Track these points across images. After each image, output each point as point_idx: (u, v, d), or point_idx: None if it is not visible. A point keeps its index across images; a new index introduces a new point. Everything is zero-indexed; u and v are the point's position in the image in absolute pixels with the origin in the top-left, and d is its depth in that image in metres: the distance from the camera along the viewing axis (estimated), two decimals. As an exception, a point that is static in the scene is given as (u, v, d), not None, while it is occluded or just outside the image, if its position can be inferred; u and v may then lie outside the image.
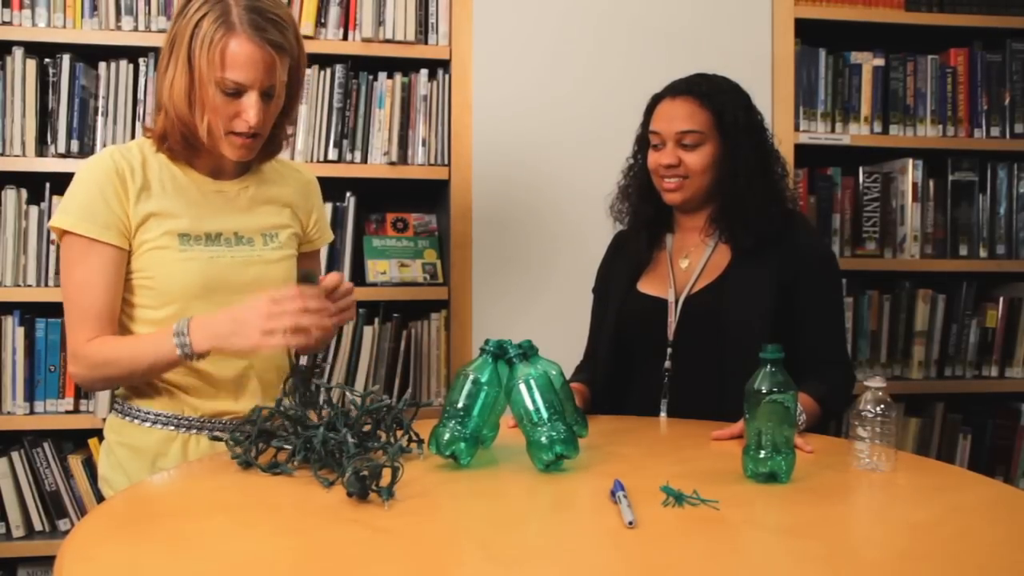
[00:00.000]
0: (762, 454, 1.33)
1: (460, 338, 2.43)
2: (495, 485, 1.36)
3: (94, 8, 2.28)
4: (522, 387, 1.40)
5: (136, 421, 1.57)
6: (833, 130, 2.60)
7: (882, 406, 1.39)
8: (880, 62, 2.62)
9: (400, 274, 2.47)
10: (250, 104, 1.49)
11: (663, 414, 1.83)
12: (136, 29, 2.29)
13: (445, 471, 1.38)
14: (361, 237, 2.49)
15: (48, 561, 2.28)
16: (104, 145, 2.28)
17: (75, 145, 2.28)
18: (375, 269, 2.47)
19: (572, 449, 1.37)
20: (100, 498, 1.74)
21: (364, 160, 2.41)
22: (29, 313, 2.29)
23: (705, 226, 1.90)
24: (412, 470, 1.33)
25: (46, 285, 2.27)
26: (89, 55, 2.32)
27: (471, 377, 1.42)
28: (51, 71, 2.29)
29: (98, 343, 1.51)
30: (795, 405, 1.37)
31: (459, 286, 2.44)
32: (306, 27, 2.35)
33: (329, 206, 2.41)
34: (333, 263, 2.42)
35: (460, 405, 1.40)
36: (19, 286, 2.27)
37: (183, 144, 1.55)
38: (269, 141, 1.61)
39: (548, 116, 2.48)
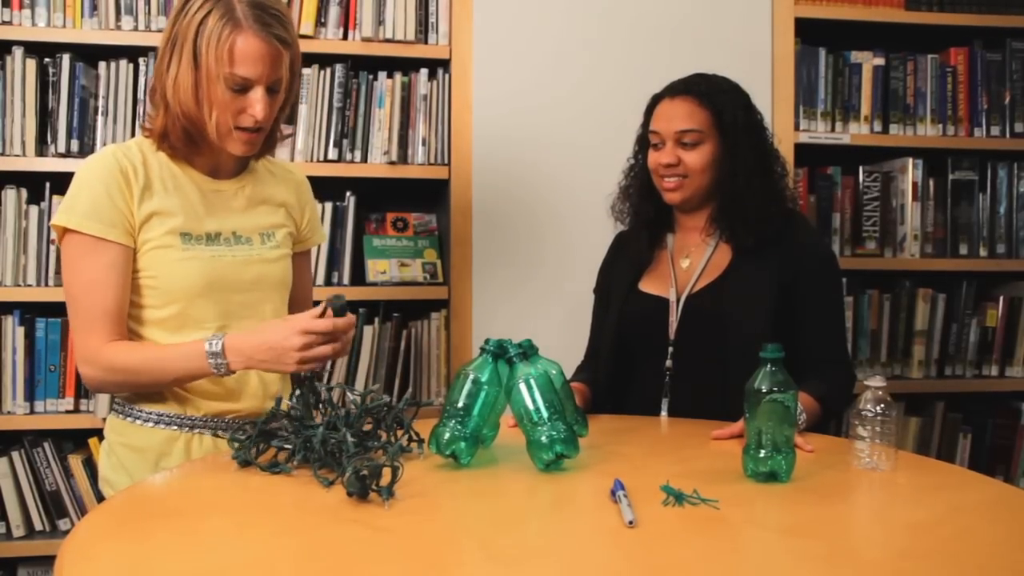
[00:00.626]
0: (762, 453, 1.33)
1: (460, 338, 2.43)
2: (495, 485, 1.36)
3: (94, 8, 2.28)
4: (522, 386, 1.40)
5: (138, 422, 1.57)
6: (833, 129, 2.60)
7: (882, 405, 1.39)
8: (880, 61, 2.62)
9: (400, 274, 2.47)
10: (257, 99, 1.51)
11: (664, 413, 1.83)
12: (136, 29, 2.29)
13: (445, 471, 1.38)
14: (361, 237, 2.49)
15: (48, 561, 2.28)
16: (104, 145, 2.27)
17: (75, 145, 2.28)
18: (375, 269, 2.47)
19: (572, 448, 1.37)
20: (101, 498, 1.74)
21: (364, 160, 2.40)
22: (29, 313, 2.29)
23: (706, 226, 1.90)
24: (412, 470, 1.33)
25: (46, 285, 2.27)
26: (89, 55, 2.32)
27: (471, 377, 1.42)
28: (51, 71, 2.29)
29: (118, 349, 1.50)
30: (795, 404, 1.37)
31: (459, 286, 2.44)
32: (306, 27, 2.35)
33: (329, 206, 2.41)
34: (333, 263, 2.42)
35: (460, 404, 1.40)
36: (19, 286, 2.27)
37: (185, 141, 1.55)
38: (267, 137, 1.62)
39: (548, 116, 2.48)
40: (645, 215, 1.95)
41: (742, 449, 1.36)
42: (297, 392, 1.45)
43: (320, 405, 1.44)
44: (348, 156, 2.39)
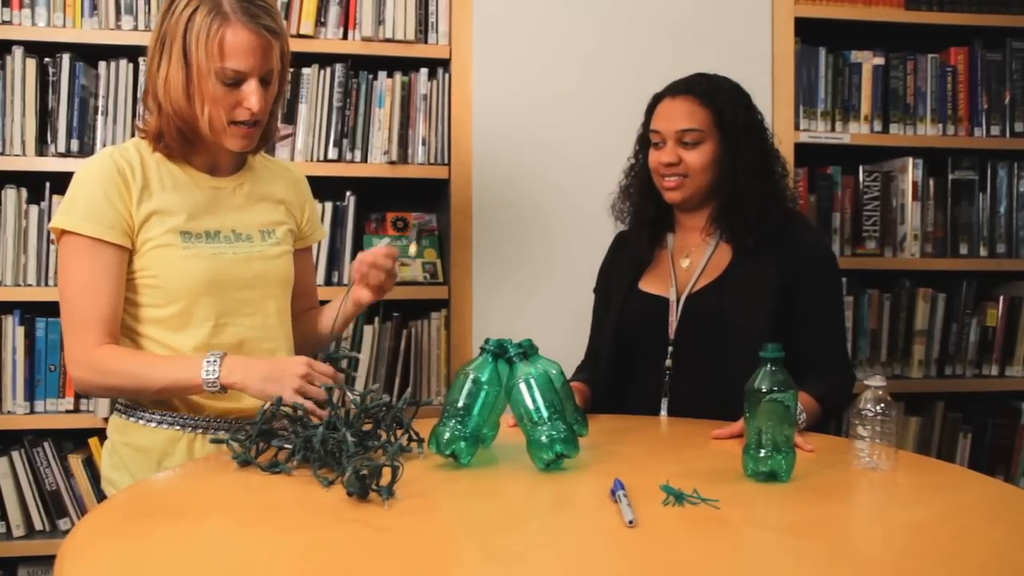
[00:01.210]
0: (762, 453, 1.33)
1: (460, 337, 2.43)
2: (495, 484, 1.36)
3: (94, 8, 2.28)
4: (522, 386, 1.40)
5: (141, 422, 1.57)
6: (833, 129, 2.60)
7: (882, 405, 1.39)
8: (880, 61, 2.62)
9: (400, 273, 2.47)
10: (251, 91, 1.51)
11: (664, 413, 1.83)
12: (136, 28, 2.29)
13: (445, 470, 1.38)
14: (361, 236, 2.49)
15: (48, 561, 2.28)
16: (104, 145, 2.28)
17: (75, 145, 2.28)
18: (375, 268, 2.47)
19: (572, 448, 1.37)
20: (102, 498, 1.74)
21: (364, 159, 2.40)
22: (29, 313, 2.29)
23: (706, 225, 1.91)
24: (412, 469, 1.33)
25: (46, 285, 2.27)
26: (89, 55, 2.32)
27: (471, 376, 1.42)
28: (51, 71, 2.29)
29: (110, 352, 1.50)
30: (795, 404, 1.37)
31: (459, 285, 2.44)
32: (306, 26, 2.35)
33: (329, 205, 2.41)
34: (333, 263, 2.42)
35: (460, 404, 1.40)
36: (19, 286, 2.27)
37: (180, 141, 1.55)
38: (263, 131, 1.62)
39: (548, 115, 2.48)
40: (645, 214, 1.95)
41: (742, 449, 1.36)
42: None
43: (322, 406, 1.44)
44: (348, 156, 2.39)
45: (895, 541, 1.13)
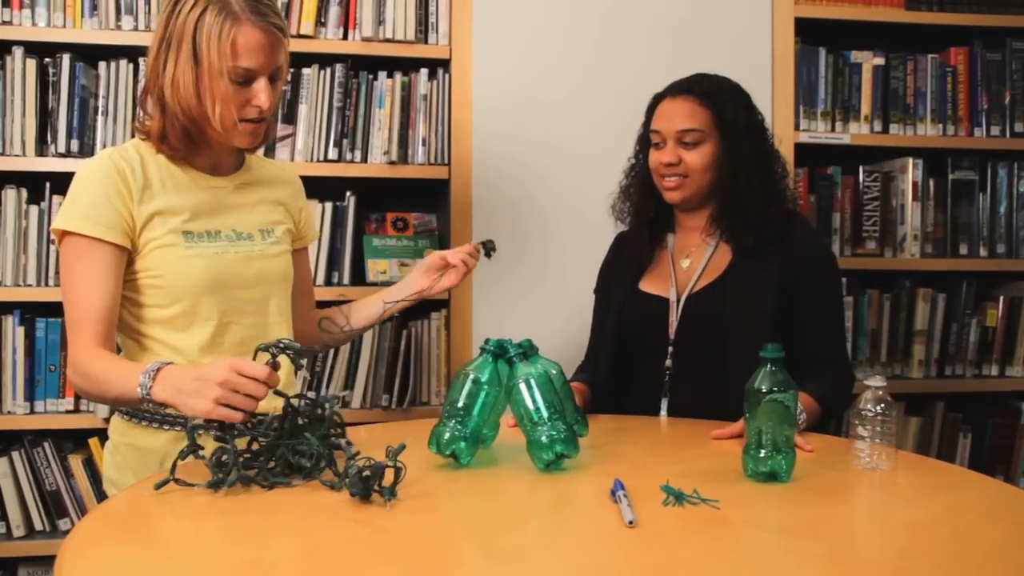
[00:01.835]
0: (762, 453, 1.33)
1: (460, 338, 2.43)
2: (495, 485, 1.36)
3: (94, 8, 2.28)
4: (522, 386, 1.40)
5: (143, 423, 1.57)
6: (833, 129, 2.60)
7: (882, 405, 1.39)
8: (880, 61, 2.62)
9: (400, 273, 2.47)
10: (260, 89, 1.53)
11: (664, 413, 1.83)
12: (136, 29, 2.29)
13: (445, 471, 1.38)
14: (361, 237, 2.49)
15: (48, 561, 2.28)
16: (104, 145, 2.28)
17: (75, 145, 2.28)
18: (375, 268, 2.47)
19: (572, 448, 1.37)
20: (102, 498, 1.74)
21: (364, 159, 2.40)
22: (29, 313, 2.29)
23: (706, 226, 1.91)
24: (412, 470, 1.33)
25: (46, 285, 2.27)
26: (89, 55, 2.32)
27: (471, 376, 1.42)
28: (51, 71, 2.29)
29: (88, 356, 1.47)
30: (795, 404, 1.37)
31: (459, 286, 2.43)
32: (306, 27, 2.35)
33: (329, 205, 2.41)
34: (333, 263, 2.42)
35: (460, 404, 1.40)
36: (19, 286, 2.26)
37: (184, 141, 1.56)
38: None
39: (548, 115, 2.48)
40: (646, 214, 1.95)
41: (742, 449, 1.36)
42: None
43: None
44: (348, 156, 2.39)
45: (895, 541, 1.13)
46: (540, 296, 2.48)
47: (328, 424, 1.36)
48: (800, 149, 2.55)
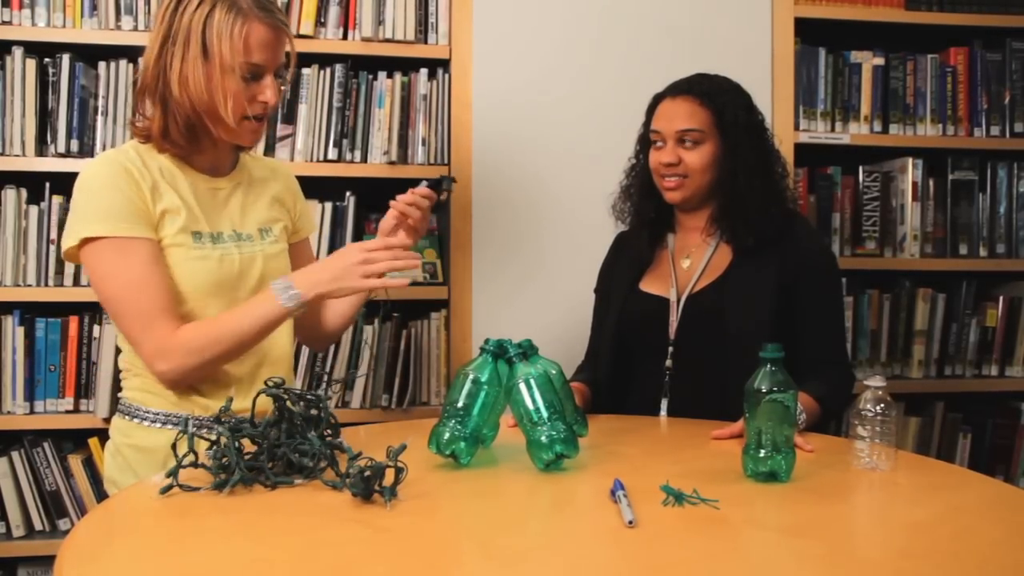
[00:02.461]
0: (762, 453, 1.33)
1: (460, 338, 2.43)
2: (495, 485, 1.36)
3: (94, 8, 2.28)
4: (522, 386, 1.40)
5: (145, 423, 1.57)
6: (833, 129, 2.60)
7: (882, 405, 1.39)
8: (880, 61, 2.62)
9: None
10: (267, 84, 1.55)
11: (663, 413, 1.83)
12: (136, 29, 2.29)
13: (445, 471, 1.38)
14: (361, 236, 2.48)
15: (48, 561, 2.28)
16: (104, 145, 2.28)
17: (75, 145, 2.28)
18: (375, 269, 2.47)
19: (572, 448, 1.37)
20: (103, 499, 1.74)
21: (364, 160, 2.40)
22: (29, 313, 2.29)
23: (706, 226, 1.91)
24: (413, 470, 1.33)
25: (46, 285, 2.27)
26: (89, 55, 2.32)
27: (471, 376, 1.42)
28: (51, 71, 2.29)
29: (190, 330, 1.50)
30: (795, 404, 1.37)
31: (459, 286, 2.44)
32: (306, 27, 2.35)
33: (329, 206, 2.41)
34: (333, 263, 2.42)
35: (460, 404, 1.40)
36: (19, 286, 2.27)
37: (188, 138, 1.56)
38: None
39: (548, 116, 2.48)
40: (646, 215, 1.95)
41: (742, 449, 1.36)
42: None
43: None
44: (348, 156, 2.39)
45: (895, 541, 1.13)
46: (540, 296, 2.48)
47: (325, 424, 1.36)
48: (800, 149, 2.55)
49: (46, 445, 2.29)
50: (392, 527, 1.13)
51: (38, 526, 2.30)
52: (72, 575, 1.00)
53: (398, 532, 1.11)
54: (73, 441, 2.36)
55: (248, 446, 1.33)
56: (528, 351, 1.45)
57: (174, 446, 1.30)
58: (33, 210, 2.28)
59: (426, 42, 2.42)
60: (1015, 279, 2.73)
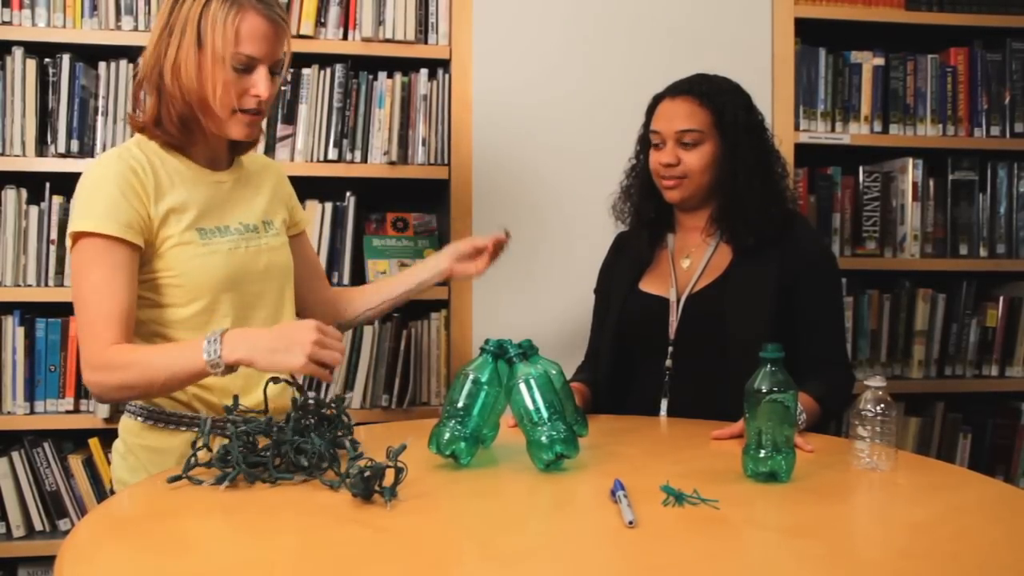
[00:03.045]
0: (762, 453, 1.33)
1: (460, 338, 2.43)
2: (495, 485, 1.36)
3: (94, 8, 2.28)
4: (522, 387, 1.40)
5: (160, 424, 1.56)
6: (833, 129, 2.60)
7: (882, 405, 1.39)
8: (880, 61, 2.62)
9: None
10: (260, 78, 1.54)
11: (663, 413, 1.84)
12: (136, 29, 2.29)
13: (445, 471, 1.38)
14: (361, 237, 2.49)
15: (48, 561, 2.28)
16: (104, 145, 2.27)
17: (75, 145, 2.27)
18: (375, 269, 2.47)
19: (572, 448, 1.37)
20: (103, 498, 1.73)
21: (364, 160, 2.40)
22: (29, 313, 2.29)
23: (706, 226, 1.91)
24: (413, 470, 1.33)
25: (46, 285, 2.27)
26: (89, 55, 2.32)
27: (471, 377, 1.42)
28: (51, 71, 2.29)
29: (118, 348, 1.46)
30: (795, 404, 1.37)
31: (459, 286, 2.44)
32: (306, 27, 2.35)
33: (329, 205, 2.41)
34: (333, 263, 2.42)
35: (460, 405, 1.40)
36: (19, 286, 2.26)
37: (179, 126, 1.56)
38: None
39: (548, 116, 2.48)
40: (646, 215, 1.95)
41: (742, 449, 1.36)
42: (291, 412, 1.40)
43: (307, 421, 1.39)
44: (348, 156, 2.39)
45: (895, 541, 1.13)
46: (540, 296, 2.48)
47: (337, 425, 1.37)
48: (800, 149, 2.55)
49: (46, 445, 2.29)
50: (392, 527, 1.13)
51: (38, 526, 2.30)
52: (72, 575, 1.00)
53: (398, 532, 1.11)
54: (73, 441, 2.36)
55: (262, 441, 1.34)
56: (528, 351, 1.45)
57: (194, 444, 1.30)
58: (33, 210, 2.28)
59: (426, 42, 2.42)
60: (1015, 279, 2.73)
